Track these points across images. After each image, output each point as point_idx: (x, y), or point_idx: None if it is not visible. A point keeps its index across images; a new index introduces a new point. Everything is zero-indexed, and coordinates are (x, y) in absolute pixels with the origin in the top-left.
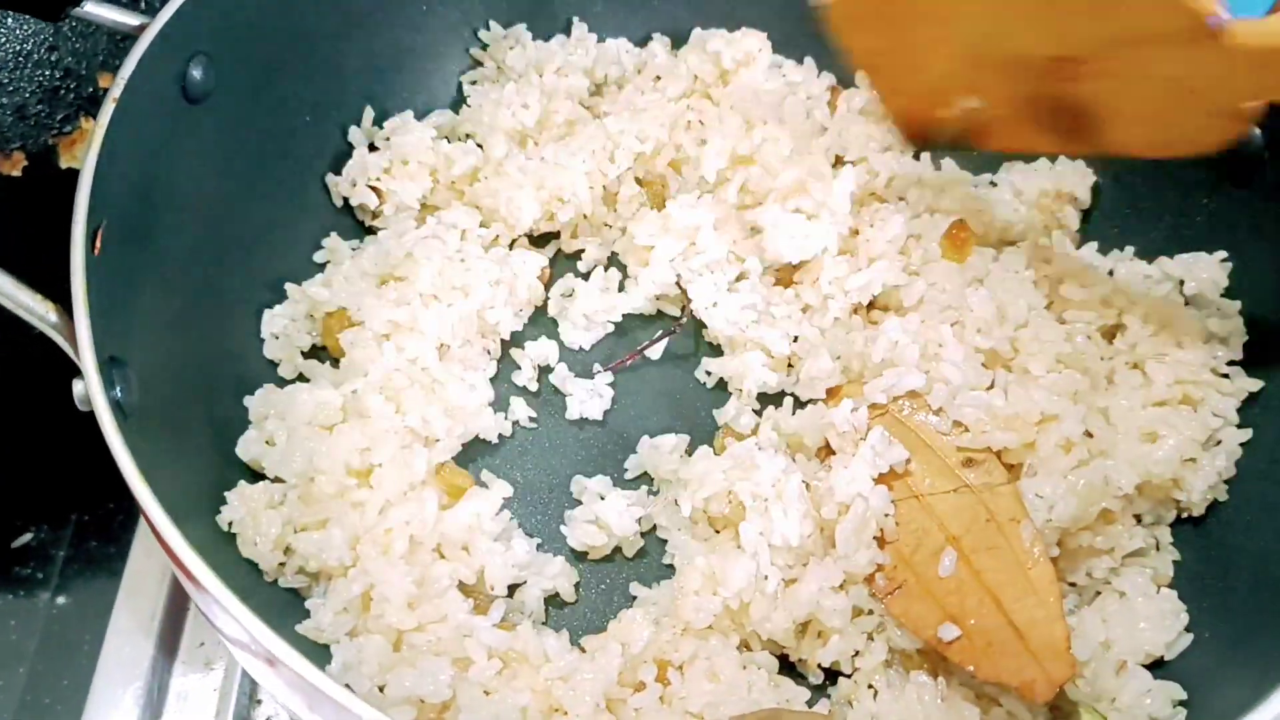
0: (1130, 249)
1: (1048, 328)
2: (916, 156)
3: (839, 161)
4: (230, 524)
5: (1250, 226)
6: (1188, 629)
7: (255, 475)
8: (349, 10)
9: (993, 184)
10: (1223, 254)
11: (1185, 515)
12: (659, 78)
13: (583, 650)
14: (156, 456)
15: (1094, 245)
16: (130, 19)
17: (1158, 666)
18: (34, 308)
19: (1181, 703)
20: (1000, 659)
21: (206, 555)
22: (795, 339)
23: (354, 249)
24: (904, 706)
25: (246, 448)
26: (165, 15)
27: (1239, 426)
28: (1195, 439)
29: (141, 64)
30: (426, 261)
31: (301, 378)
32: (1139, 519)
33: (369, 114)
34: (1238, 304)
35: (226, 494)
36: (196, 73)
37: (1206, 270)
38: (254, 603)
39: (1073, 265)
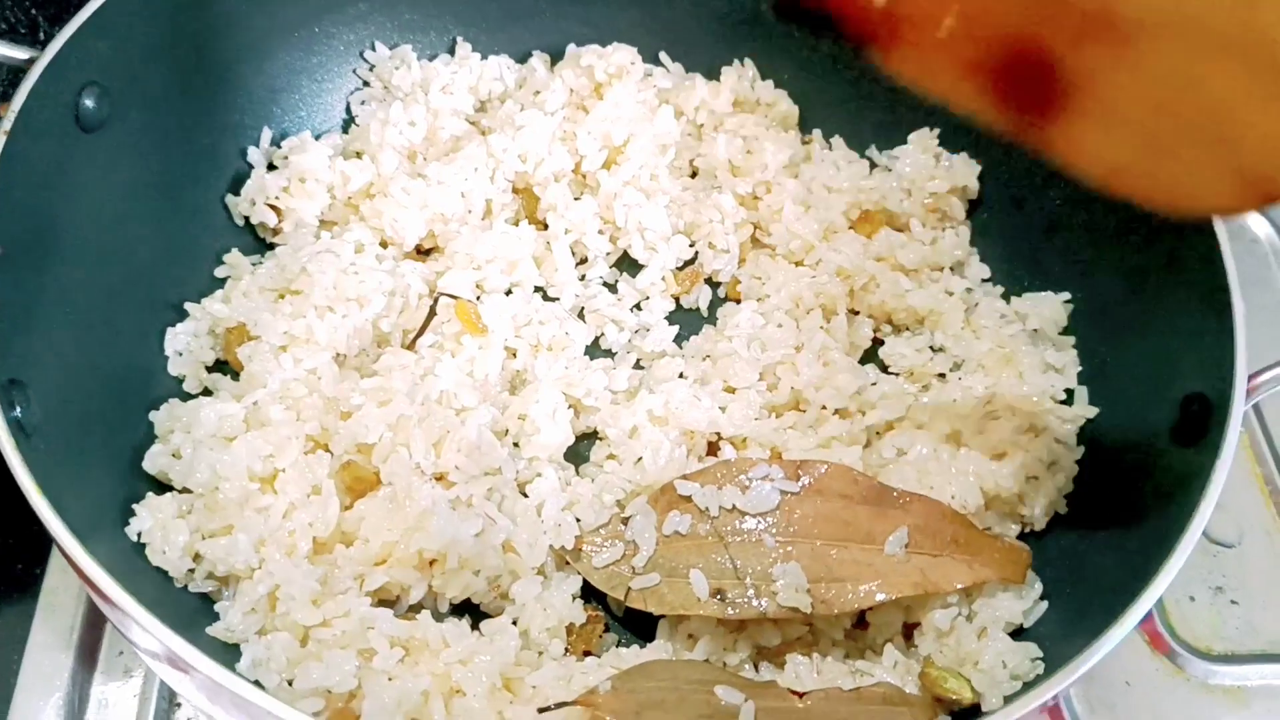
0: (1000, 286)
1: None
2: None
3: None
4: (139, 535)
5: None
6: (1042, 597)
7: (162, 487)
8: (243, 36)
9: (887, 169)
10: (1065, 295)
11: (1028, 530)
12: (538, 92)
13: (481, 634)
14: (61, 473)
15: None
16: (19, 53)
17: (1017, 635)
18: None
19: (1038, 659)
20: None
21: (114, 567)
22: None
23: (255, 264)
24: None
25: (153, 461)
26: (55, 47)
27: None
28: (1040, 459)
29: (33, 95)
30: (321, 275)
31: (206, 391)
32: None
33: (267, 135)
34: (1071, 339)
35: (135, 506)
36: (89, 102)
37: (1049, 309)
38: (164, 610)
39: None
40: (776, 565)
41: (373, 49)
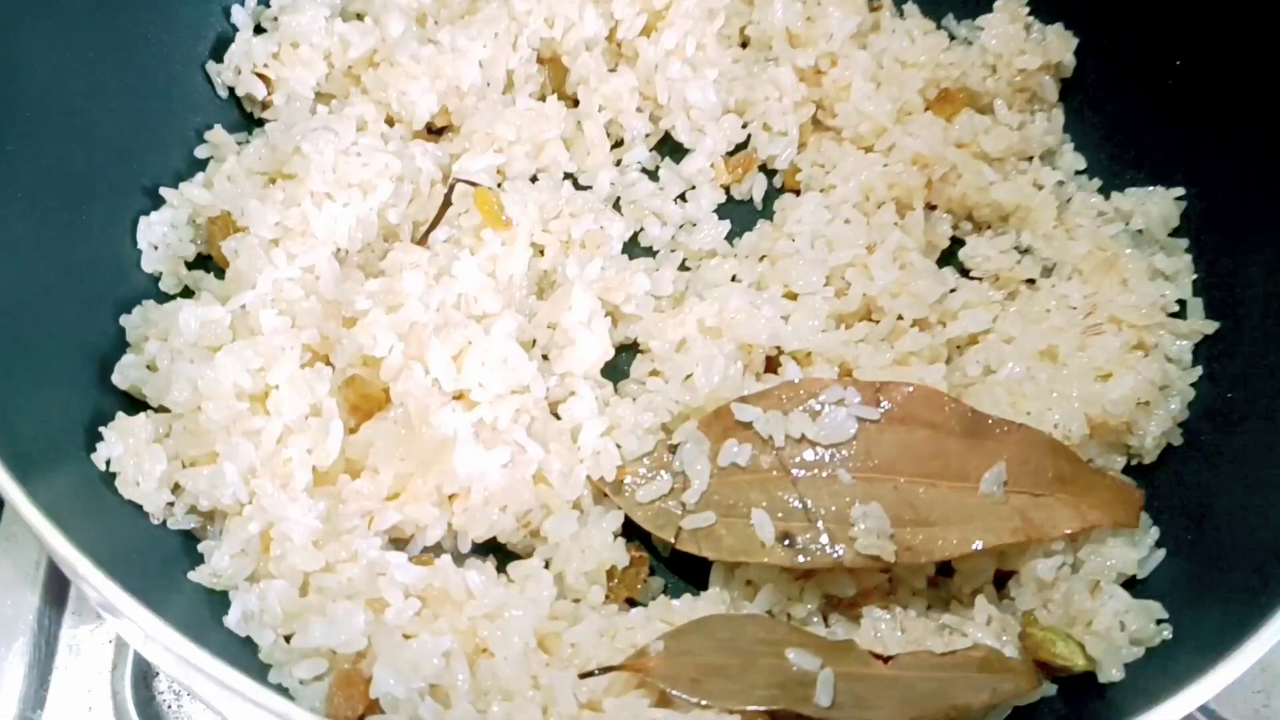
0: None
1: None
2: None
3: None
4: (108, 462)
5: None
6: (1158, 544)
7: (136, 405)
8: None
9: (968, 41)
10: (1178, 190)
11: (1135, 462)
12: None
13: (510, 580)
14: (10, 385)
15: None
16: None
17: (1131, 587)
18: None
19: (1163, 621)
20: None
21: (64, 508)
22: None
23: (241, 143)
24: None
25: (124, 374)
26: None
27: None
28: (1152, 381)
29: None
30: (318, 156)
31: (187, 291)
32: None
33: None
34: (1184, 241)
35: (102, 428)
36: None
37: (1158, 206)
38: (129, 564)
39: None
40: (854, 506)
41: None
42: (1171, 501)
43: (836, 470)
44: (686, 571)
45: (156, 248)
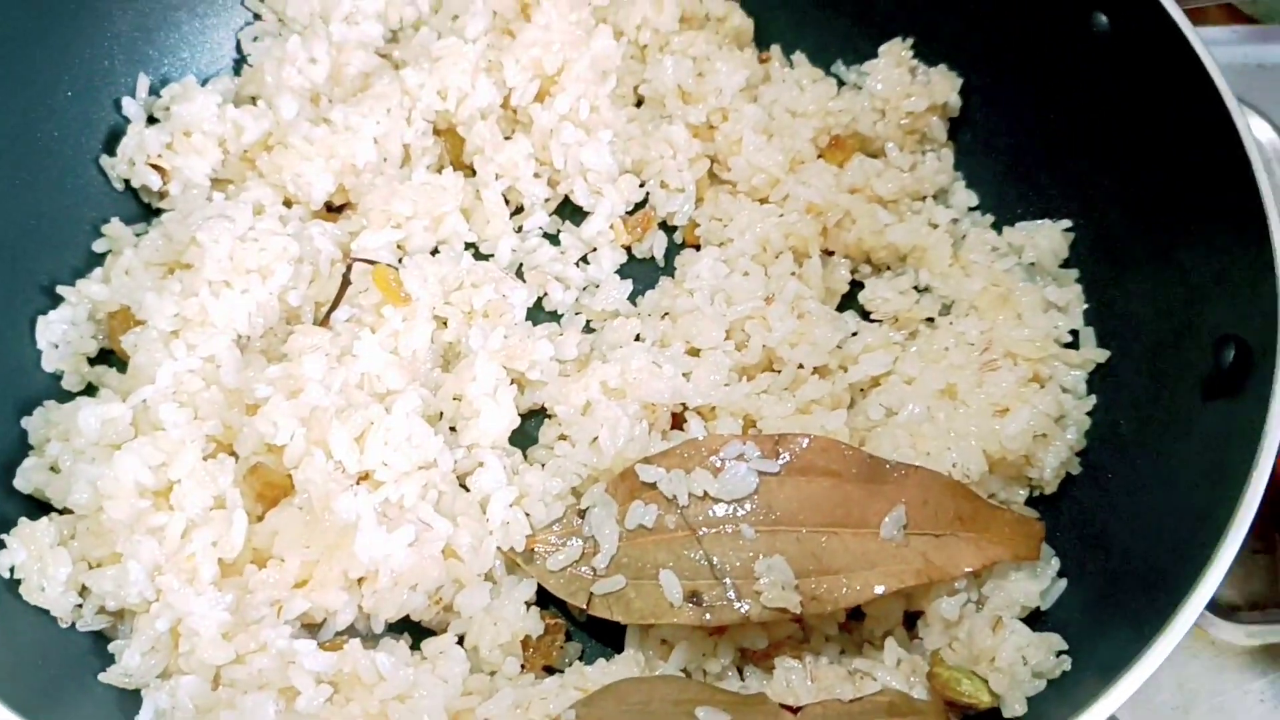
0: (990, 216)
1: None
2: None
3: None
4: (11, 570)
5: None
6: (1060, 574)
7: (42, 508)
8: None
9: (857, 87)
10: (1066, 223)
11: (1037, 493)
12: (456, 17)
13: (424, 657)
14: None
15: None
16: None
17: (1034, 621)
18: None
19: (1063, 653)
20: None
21: None
22: None
23: (139, 235)
24: None
25: (26, 477)
26: None
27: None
28: (1047, 413)
29: None
30: (213, 245)
31: (91, 389)
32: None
33: (144, 82)
34: (1075, 272)
35: (4, 536)
36: None
37: (1048, 239)
38: (31, 671)
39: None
40: (759, 560)
41: None
42: (1073, 530)
43: (740, 525)
44: (603, 634)
45: (57, 346)
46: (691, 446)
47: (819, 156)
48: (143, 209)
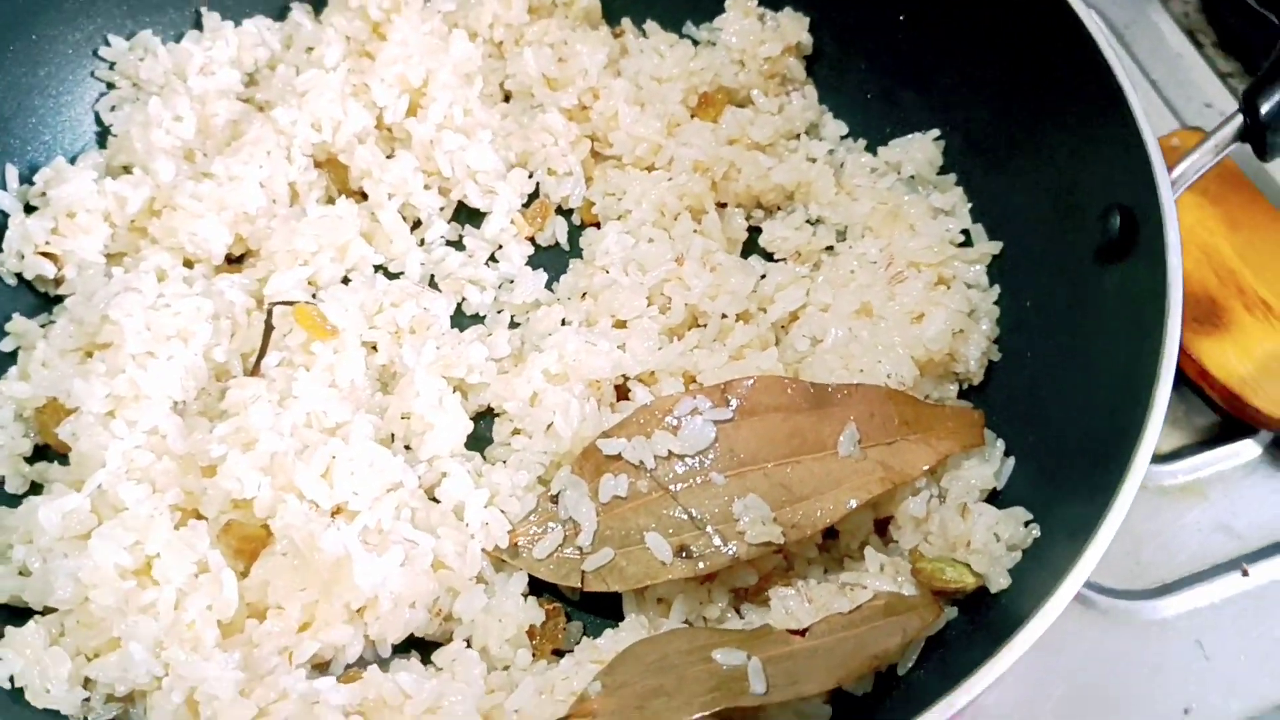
0: (862, 140)
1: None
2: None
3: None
4: (11, 679)
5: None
6: (1007, 454)
7: (20, 614)
8: None
9: (711, 43)
10: (934, 132)
11: (966, 386)
12: (310, 49)
13: (438, 669)
14: None
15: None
16: None
17: (994, 501)
18: None
19: (1029, 522)
20: None
21: None
22: None
23: (45, 325)
24: None
25: None
26: None
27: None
28: (960, 310)
29: None
30: (128, 319)
31: (35, 487)
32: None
33: (12, 172)
34: (952, 176)
35: None
36: None
37: (921, 150)
38: None
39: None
40: (734, 503)
41: (106, 44)
42: (1008, 413)
43: (709, 475)
44: (601, 608)
45: None
46: (645, 413)
47: (693, 116)
48: (41, 299)
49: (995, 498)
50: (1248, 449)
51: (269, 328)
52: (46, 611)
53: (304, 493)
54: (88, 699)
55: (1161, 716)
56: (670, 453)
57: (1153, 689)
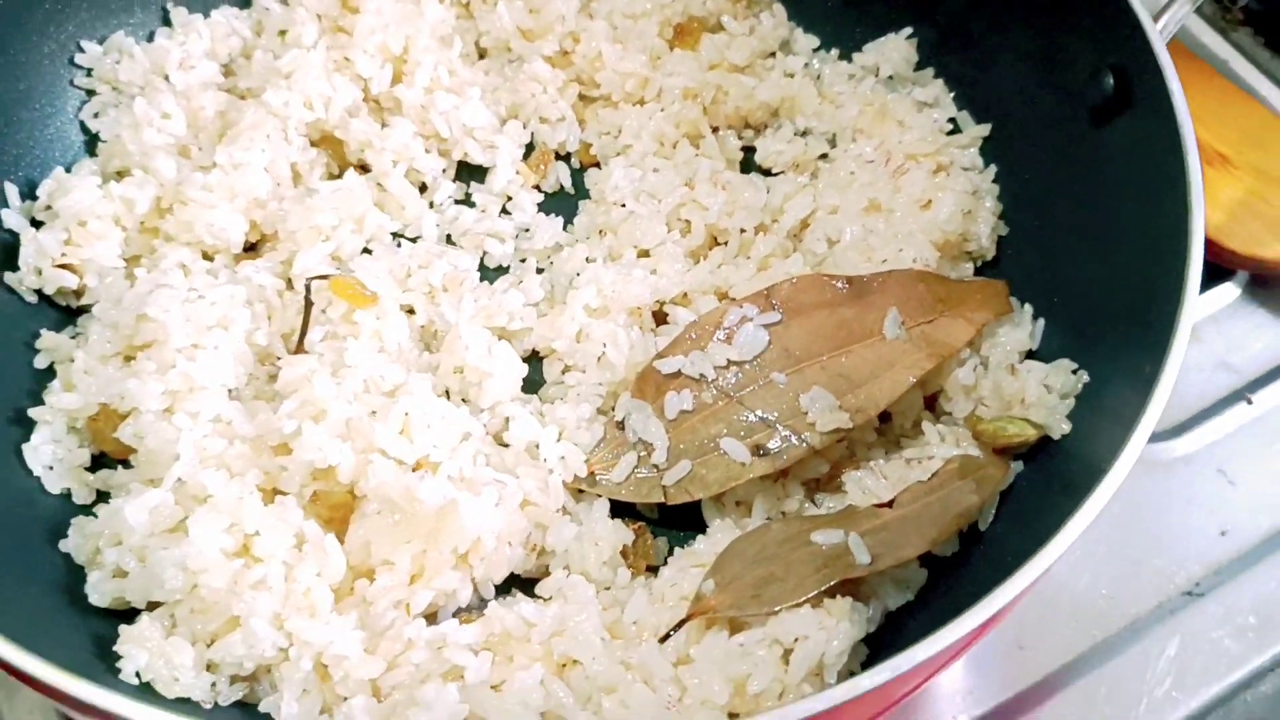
0: (835, 50)
1: None
2: None
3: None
4: (138, 674)
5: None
6: (1035, 316)
7: (121, 615)
8: None
9: None
10: (906, 30)
11: (981, 263)
12: (284, 31)
13: (545, 599)
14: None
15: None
16: None
17: (1033, 359)
18: None
19: (1076, 370)
20: None
21: None
22: None
23: (75, 336)
24: None
25: (99, 591)
26: None
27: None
28: (965, 191)
29: None
30: (166, 315)
31: (103, 495)
32: None
33: (12, 190)
34: (930, 70)
35: (116, 648)
36: None
37: (896, 50)
38: None
39: None
40: (800, 398)
41: (80, 50)
42: (1026, 280)
43: (770, 376)
44: (677, 521)
45: (51, 468)
46: (696, 328)
47: (672, 48)
48: (62, 312)
49: (1034, 358)
50: (1229, 291)
51: (309, 304)
52: (151, 607)
53: (387, 451)
54: (214, 684)
55: (1201, 542)
56: (729, 361)
57: (1188, 519)
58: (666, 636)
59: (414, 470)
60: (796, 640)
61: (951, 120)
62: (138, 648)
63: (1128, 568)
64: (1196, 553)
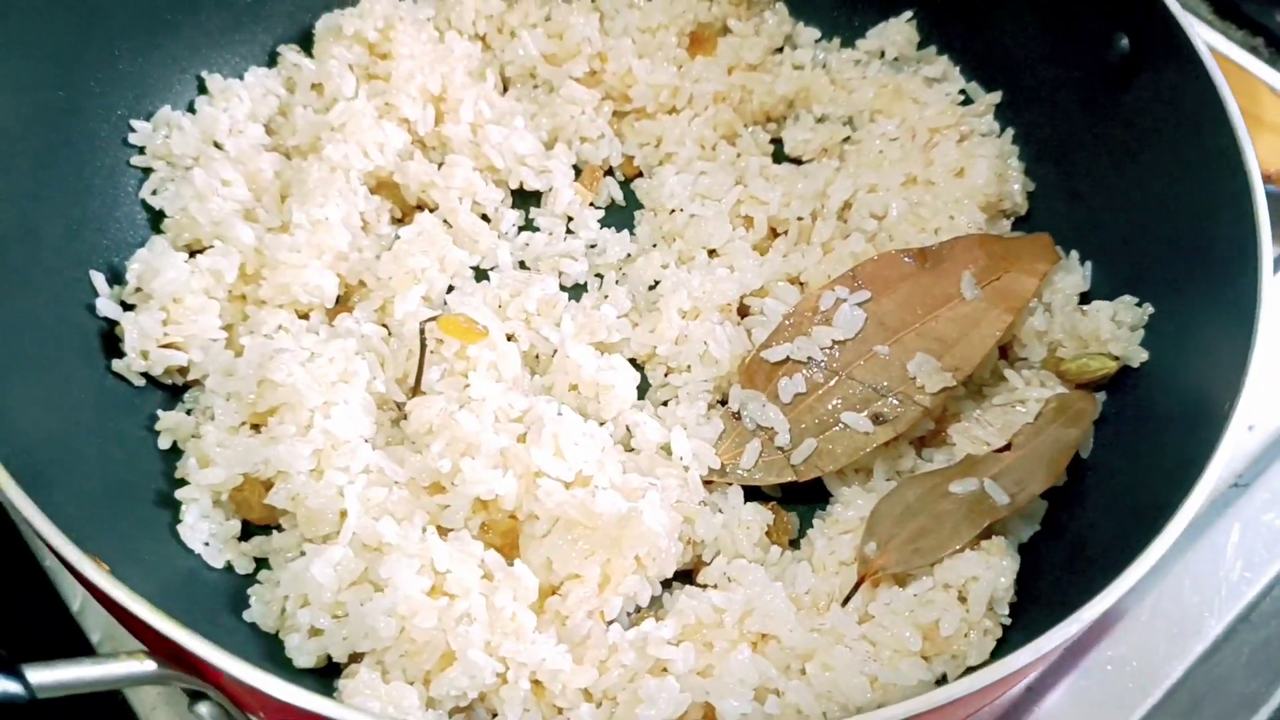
0: (837, 39)
1: None
2: None
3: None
4: None
5: None
6: (1082, 261)
7: (328, 671)
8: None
9: None
10: (906, 14)
11: (1014, 219)
12: (316, 85)
13: (713, 585)
14: None
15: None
16: None
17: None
18: None
19: (1140, 302)
20: None
21: None
22: None
23: (189, 411)
24: None
25: (303, 652)
26: None
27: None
28: (994, 155)
29: None
30: (289, 378)
31: (262, 562)
32: None
33: (99, 278)
34: (933, 48)
35: (336, 684)
36: None
37: (898, 32)
38: None
39: None
40: (906, 365)
41: (131, 130)
42: (1061, 230)
43: (873, 349)
44: (800, 498)
45: (208, 544)
46: (795, 315)
47: (692, 57)
48: (166, 390)
49: (1089, 300)
50: None
51: (424, 346)
52: (353, 660)
53: (548, 473)
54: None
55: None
56: (833, 341)
57: None
58: (848, 599)
59: (567, 488)
60: (967, 582)
61: (962, 92)
62: (367, 690)
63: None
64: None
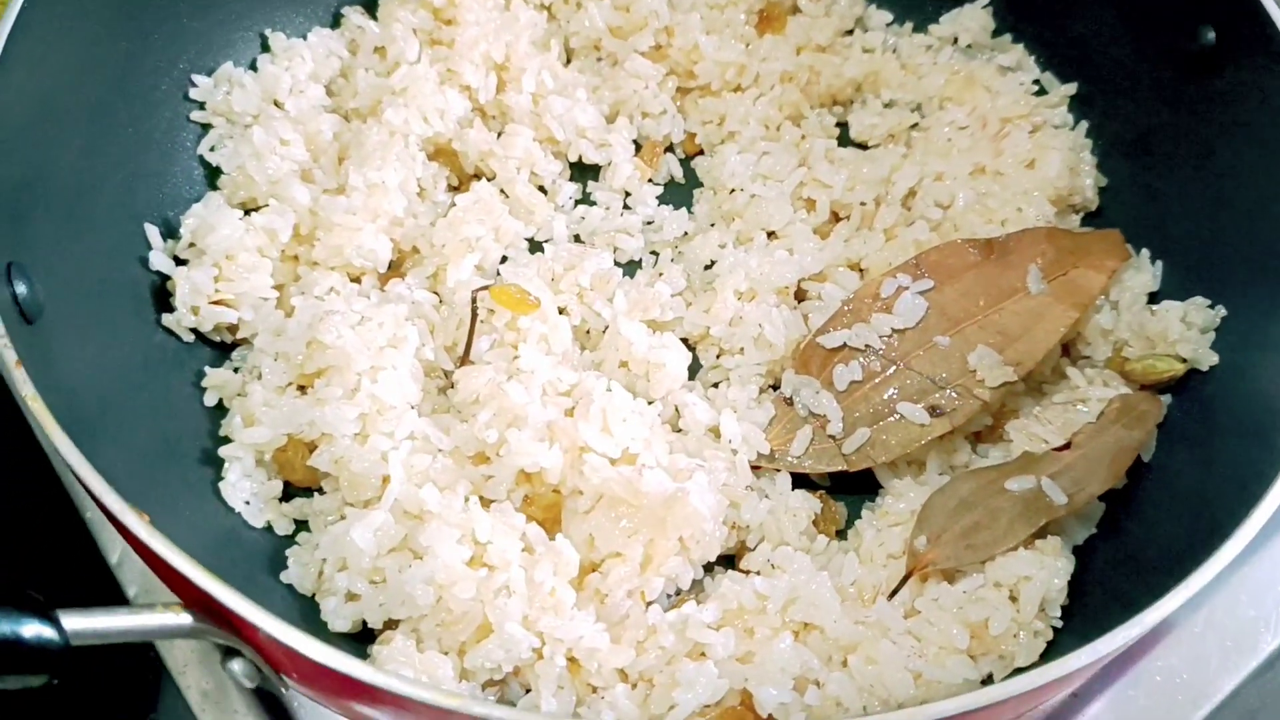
0: (909, 23)
1: None
2: None
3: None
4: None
5: None
6: (1153, 260)
7: (363, 637)
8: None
9: None
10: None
11: (1084, 214)
12: (378, 48)
13: (756, 572)
14: None
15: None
16: None
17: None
18: None
19: (1212, 305)
20: None
21: None
22: None
23: (238, 370)
24: None
25: (340, 616)
26: None
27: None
28: (1067, 148)
29: None
30: (340, 339)
31: (302, 523)
32: None
33: (153, 231)
34: (1008, 36)
35: (370, 649)
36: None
37: (973, 19)
38: None
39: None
40: (967, 357)
41: (193, 84)
42: (1132, 227)
43: (933, 339)
44: (849, 488)
45: (249, 503)
46: (854, 301)
47: (761, 35)
48: (215, 348)
49: (1157, 300)
50: None
51: (475, 315)
52: (388, 626)
53: (595, 448)
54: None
55: None
56: (892, 329)
57: None
58: (895, 592)
59: (613, 465)
60: (1019, 582)
61: (1036, 82)
62: (399, 656)
63: None
64: None
